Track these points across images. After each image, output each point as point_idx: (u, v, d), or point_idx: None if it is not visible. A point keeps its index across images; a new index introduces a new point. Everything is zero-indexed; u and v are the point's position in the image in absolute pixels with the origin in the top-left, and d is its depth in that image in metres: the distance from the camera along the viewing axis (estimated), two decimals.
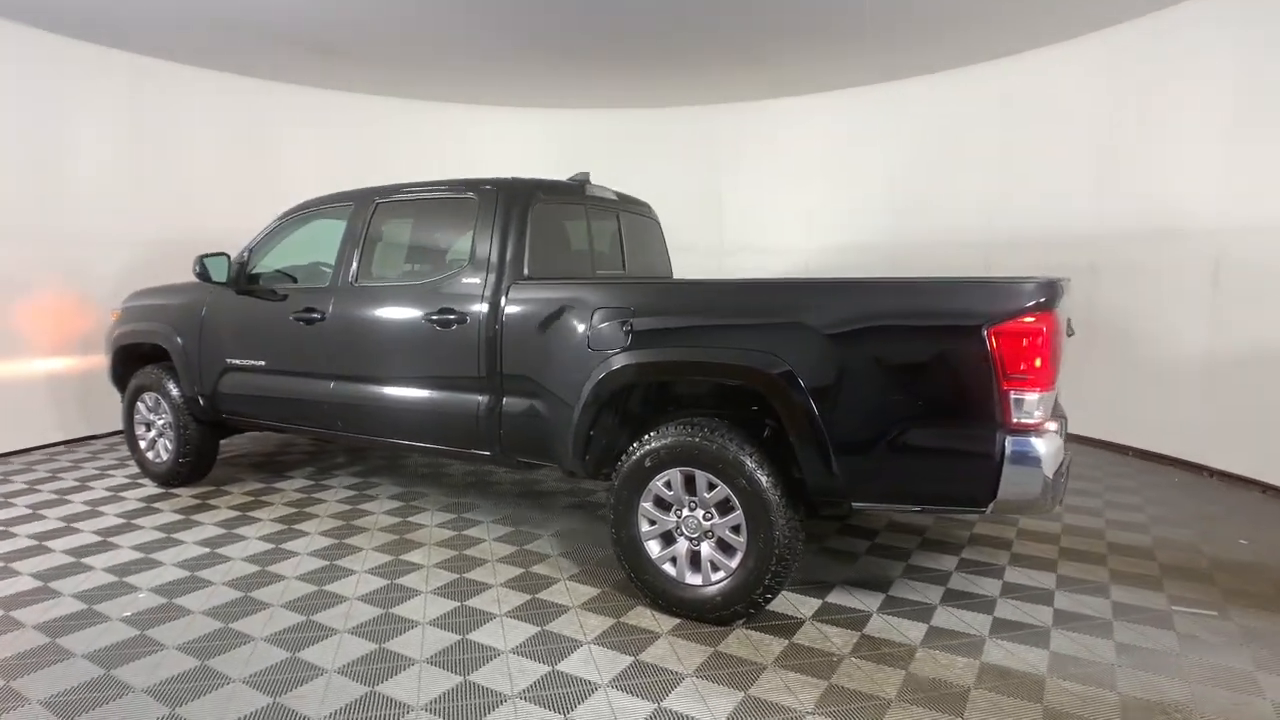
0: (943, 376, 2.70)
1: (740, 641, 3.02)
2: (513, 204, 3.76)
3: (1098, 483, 5.28)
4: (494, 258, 3.69)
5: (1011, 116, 6.74)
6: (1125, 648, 2.97)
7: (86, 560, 3.83)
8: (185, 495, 4.92)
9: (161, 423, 5.03)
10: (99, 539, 4.13)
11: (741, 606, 3.06)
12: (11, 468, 5.62)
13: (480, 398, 3.70)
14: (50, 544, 4.05)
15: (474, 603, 3.36)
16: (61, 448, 6.25)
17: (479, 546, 4.03)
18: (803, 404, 2.83)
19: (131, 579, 3.60)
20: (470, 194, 3.88)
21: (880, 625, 3.16)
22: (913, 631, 3.11)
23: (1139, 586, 3.55)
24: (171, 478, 5.04)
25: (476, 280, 3.70)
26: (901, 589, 3.53)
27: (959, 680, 2.73)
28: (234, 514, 4.54)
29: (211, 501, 4.78)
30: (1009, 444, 2.60)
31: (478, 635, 3.06)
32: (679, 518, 3.18)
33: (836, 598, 3.42)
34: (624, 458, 3.27)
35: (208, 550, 3.96)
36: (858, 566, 3.80)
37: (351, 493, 4.97)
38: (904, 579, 3.65)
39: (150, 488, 5.09)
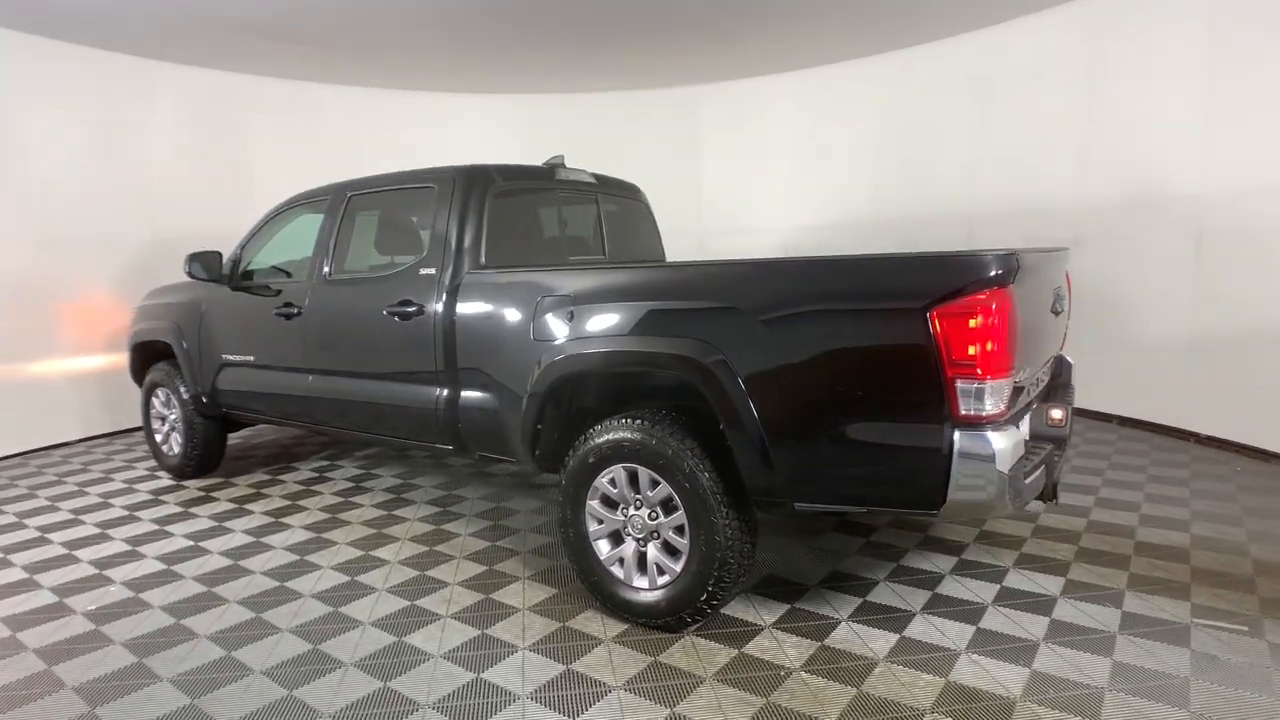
0: (884, 364, 2.40)
1: (685, 650, 2.82)
2: (470, 191, 3.62)
3: (1141, 472, 4.77)
4: (451, 247, 3.57)
5: (988, 89, 6.68)
6: (1123, 668, 2.61)
7: (77, 553, 3.95)
8: (192, 488, 5.05)
9: (174, 417, 5.17)
10: (97, 530, 4.27)
11: (688, 613, 2.85)
12: (47, 461, 5.93)
13: (438, 390, 3.59)
14: (51, 536, 4.21)
15: (424, 602, 3.27)
16: (97, 442, 6.56)
17: (452, 542, 3.95)
18: (737, 396, 2.59)
19: (110, 572, 3.68)
20: (431, 183, 3.76)
21: (845, 635, 2.89)
22: (879, 643, 2.83)
23: (1161, 594, 3.14)
24: (182, 470, 5.18)
25: (433, 271, 3.59)
26: (882, 593, 3.23)
27: (914, 702, 2.45)
28: (230, 507, 4.62)
29: (214, 494, 4.89)
30: (957, 438, 2.29)
31: (415, 638, 2.96)
32: (625, 517, 3.00)
33: (808, 602, 3.17)
34: (571, 453, 3.10)
35: (191, 544, 4.02)
36: (846, 565, 3.52)
37: (349, 485, 4.99)
38: (890, 581, 3.35)
39: (164, 480, 5.25)
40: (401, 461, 5.52)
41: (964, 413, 2.28)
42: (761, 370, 2.57)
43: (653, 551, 2.94)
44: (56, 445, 6.37)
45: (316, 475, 5.25)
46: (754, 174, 8.41)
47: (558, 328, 3.09)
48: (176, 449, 5.18)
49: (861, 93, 7.61)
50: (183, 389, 4.99)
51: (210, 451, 5.16)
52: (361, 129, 8.05)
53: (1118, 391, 6.01)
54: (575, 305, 3.06)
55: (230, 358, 4.66)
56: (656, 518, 2.91)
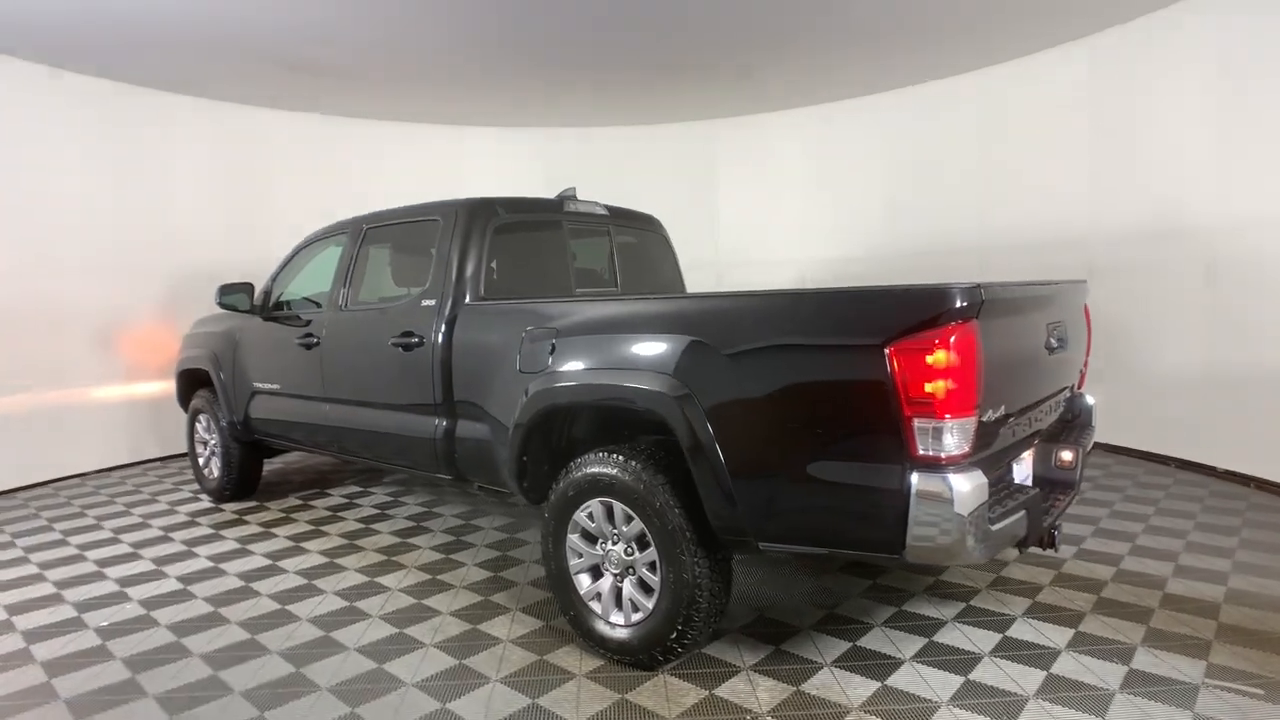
0: (844, 401, 2.33)
1: (656, 689, 2.76)
2: (471, 223, 3.73)
3: (1189, 519, 4.44)
4: (451, 278, 3.67)
5: (999, 123, 6.81)
6: None
7: (106, 570, 4.18)
8: (228, 511, 5.28)
9: (213, 443, 5.45)
10: (130, 550, 4.51)
11: (658, 651, 2.80)
12: (104, 482, 6.31)
13: (436, 420, 3.67)
14: (88, 553, 4.47)
15: (412, 630, 3.31)
16: (155, 464, 6.94)
17: (457, 571, 4.00)
18: (701, 431, 2.55)
19: (130, 590, 3.88)
20: (436, 216, 3.89)
21: (824, 680, 2.78)
22: (858, 690, 2.71)
23: (1177, 651, 2.91)
24: (220, 494, 5.43)
25: (433, 302, 3.70)
26: (875, 638, 3.10)
27: None
28: (257, 530, 4.81)
29: (246, 517, 5.10)
30: (915, 480, 2.19)
31: (393, 665, 3.00)
32: (604, 552, 2.98)
33: (795, 645, 3.07)
34: (554, 486, 3.11)
35: (211, 565, 4.20)
36: (844, 608, 3.40)
37: (374, 511, 5.12)
38: (886, 627, 3.21)
39: (204, 503, 5.51)
40: (430, 489, 5.64)
41: (922, 453, 2.19)
42: (725, 405, 2.53)
43: (627, 588, 2.91)
44: (117, 467, 6.77)
45: (346, 501, 5.42)
46: (769, 206, 8.55)
47: (541, 359, 3.13)
48: (216, 473, 5.44)
49: (873, 127, 7.76)
50: (220, 415, 5.25)
51: (246, 476, 5.40)
52: (382, 161, 8.23)
53: (1142, 425, 5.91)
54: (557, 337, 3.10)
55: (260, 385, 4.89)
56: (632, 553, 2.88)
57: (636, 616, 2.87)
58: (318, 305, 4.59)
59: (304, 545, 4.49)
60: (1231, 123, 5.09)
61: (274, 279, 4.92)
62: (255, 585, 3.89)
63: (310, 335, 4.39)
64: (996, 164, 6.83)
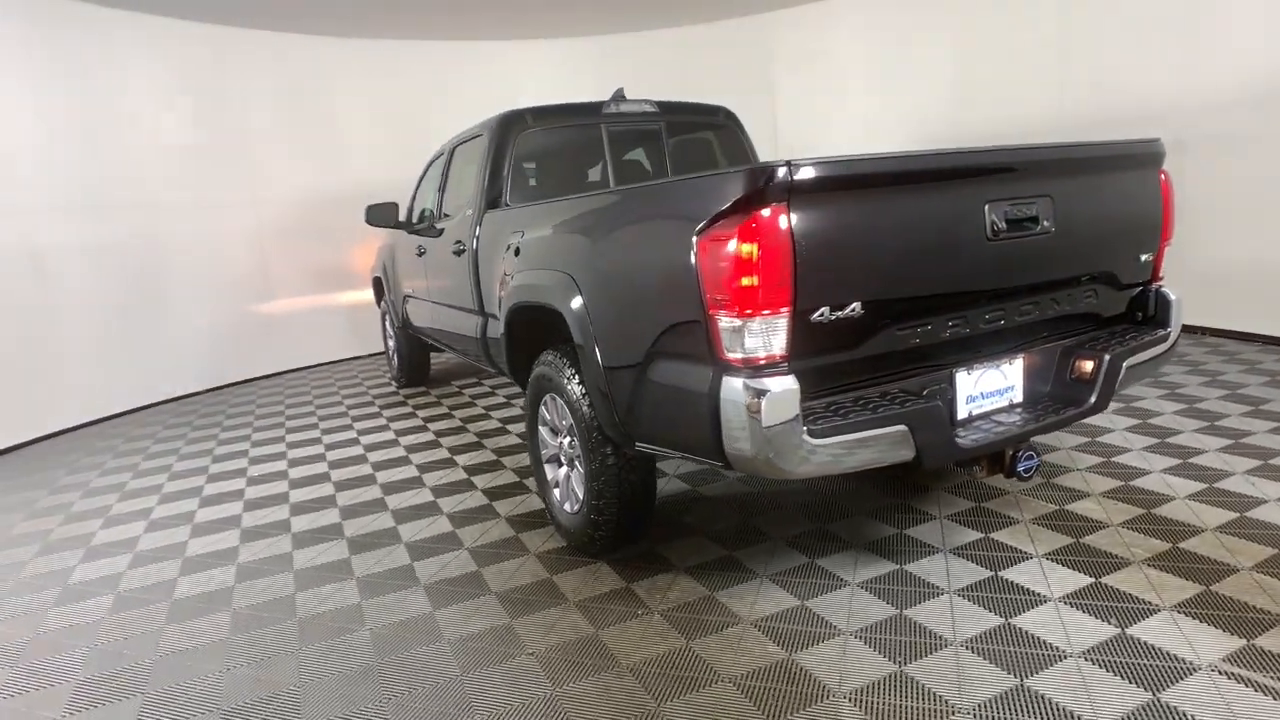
0: (669, 299, 2.15)
1: (586, 575, 2.92)
2: (500, 134, 3.92)
3: None
4: (484, 188, 3.93)
5: None
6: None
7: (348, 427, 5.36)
8: (401, 394, 6.34)
9: (391, 340, 6.51)
10: (317, 430, 5.69)
11: (588, 541, 2.93)
12: (338, 370, 7.86)
13: (478, 319, 4.04)
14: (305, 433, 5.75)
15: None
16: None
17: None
18: (583, 328, 2.55)
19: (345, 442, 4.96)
20: (481, 131, 4.14)
21: (742, 590, 2.71)
22: (770, 604, 2.60)
23: (1211, 623, 2.29)
24: (399, 381, 6.52)
25: (471, 212, 4.00)
26: (842, 560, 2.89)
27: (701, 670, 2.27)
28: (407, 411, 5.73)
29: (412, 400, 6.09)
30: (721, 384, 2.00)
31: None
32: (558, 443, 3.14)
33: (760, 558, 2.98)
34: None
35: (372, 438, 5.17)
36: (837, 525, 3.18)
37: (503, 400, 5.78)
38: (870, 544, 2.95)
39: (390, 389, 6.65)
40: None
41: (728, 355, 1.99)
42: (598, 304, 2.49)
43: (573, 478, 3.05)
44: (352, 358, 8.34)
45: (489, 390, 6.16)
46: (830, 104, 8.25)
47: (512, 262, 3.29)
48: (397, 362, 6.53)
49: (941, 10, 7.25)
50: (392, 317, 6.24)
51: (415, 367, 6.37)
52: (445, 81, 8.35)
53: None
54: (521, 240, 3.22)
55: (406, 290, 5.70)
56: (574, 447, 3.01)
57: (576, 506, 3.02)
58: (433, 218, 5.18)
59: (429, 425, 5.28)
60: None
61: (413, 195, 5.61)
62: (371, 457, 4.73)
63: (421, 247, 5.00)
64: (1075, 41, 6.28)
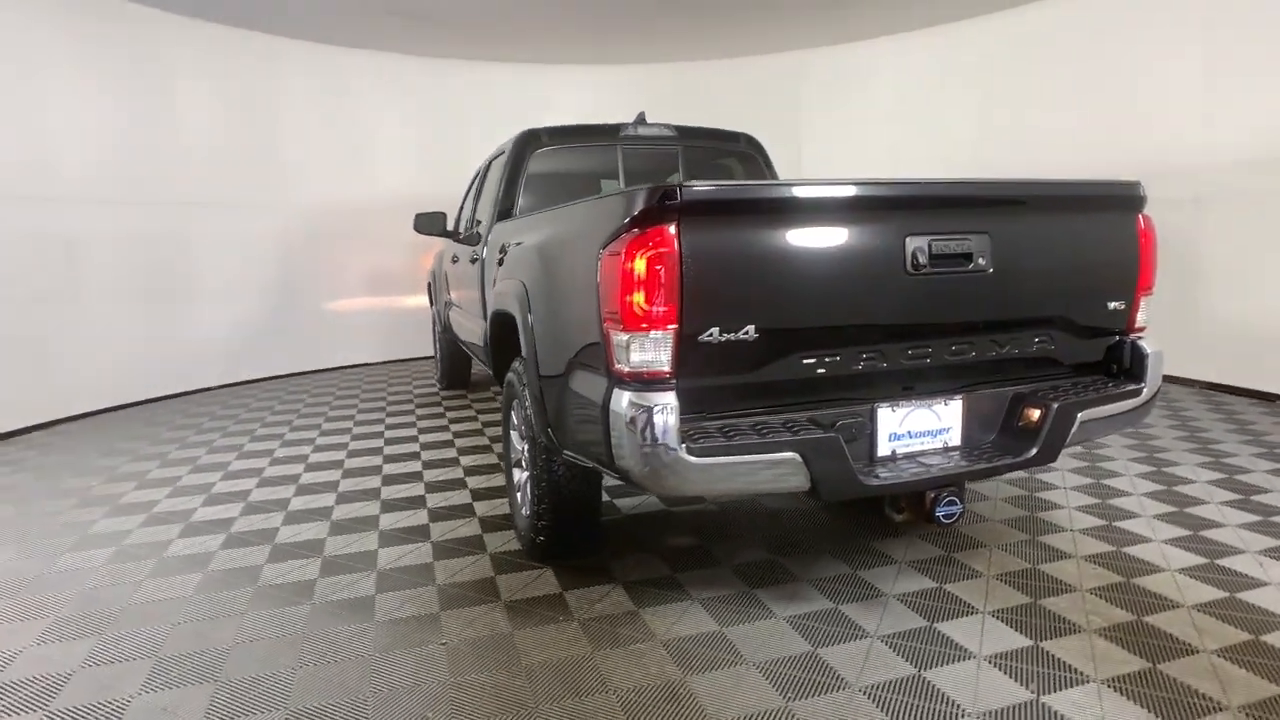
0: (583, 311, 2.21)
1: (527, 579, 2.99)
2: (517, 151, 4.10)
3: None
4: (497, 202, 4.12)
5: (1105, 45, 6.50)
6: None
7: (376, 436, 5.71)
8: (440, 395, 6.63)
9: (438, 343, 6.83)
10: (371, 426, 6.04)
11: (534, 546, 3.01)
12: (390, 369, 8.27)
13: (484, 324, 4.21)
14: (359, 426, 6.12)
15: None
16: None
17: None
18: (526, 336, 2.65)
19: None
20: (505, 148, 4.34)
21: (669, 610, 2.71)
22: (690, 627, 2.59)
23: (1137, 701, 2.12)
24: (441, 383, 6.83)
25: (485, 223, 4.20)
26: (780, 593, 2.84)
27: (593, 680, 2.29)
28: (438, 411, 5.99)
29: (445, 400, 6.36)
30: (611, 397, 2.04)
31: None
32: (521, 448, 3.24)
33: (699, 582, 2.97)
34: None
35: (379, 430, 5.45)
36: (792, 558, 3.13)
37: None
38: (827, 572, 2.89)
39: (434, 388, 6.96)
40: None
41: (617, 367, 2.03)
42: (539, 313, 2.59)
43: (529, 484, 3.14)
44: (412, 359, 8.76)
45: None
46: (857, 140, 8.39)
47: (497, 270, 3.44)
48: (439, 367, 6.84)
49: (968, 55, 7.49)
50: (437, 321, 6.56)
51: (456, 370, 6.65)
52: (479, 99, 8.64)
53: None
54: (507, 250, 3.36)
55: (446, 297, 5.98)
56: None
57: (528, 510, 3.11)
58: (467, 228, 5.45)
59: (451, 425, 5.50)
60: None
61: (460, 206, 5.91)
62: (389, 445, 4.98)
63: (455, 255, 5.26)
64: (1101, 89, 6.51)
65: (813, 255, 2.09)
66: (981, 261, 2.23)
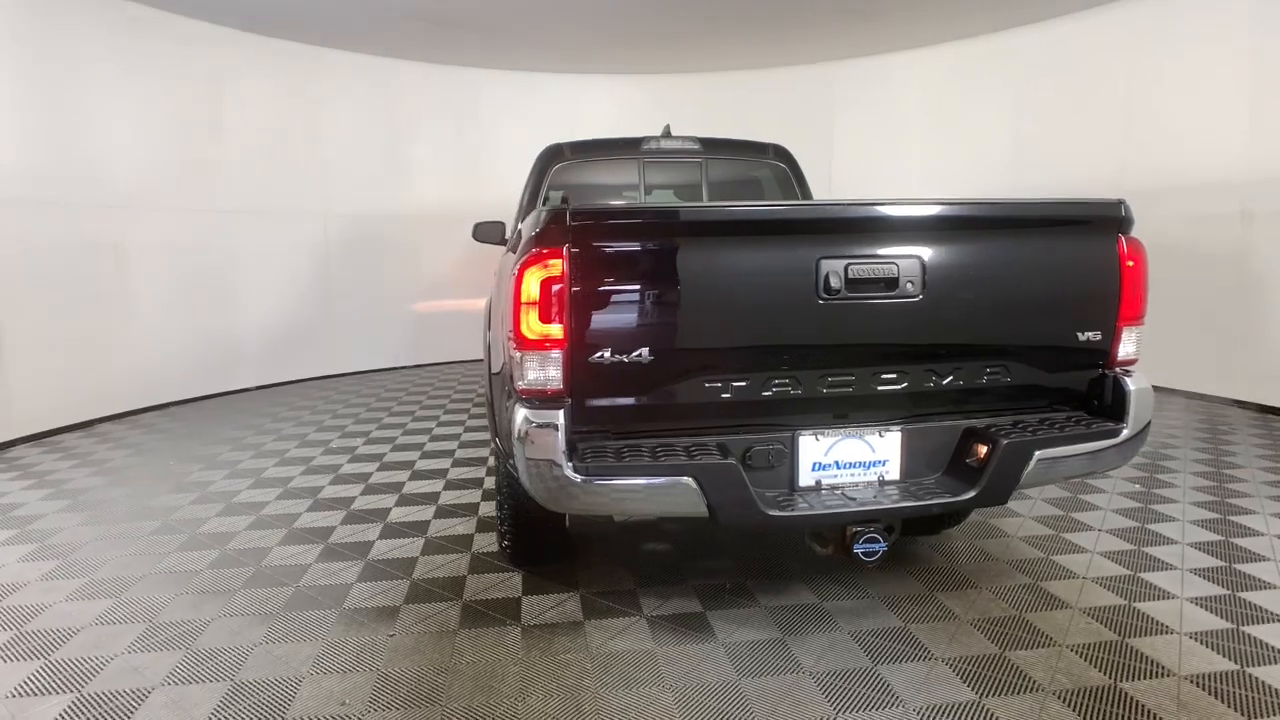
0: (506, 325, 2.27)
1: (495, 580, 3.09)
2: (540, 165, 4.22)
3: None
4: (520, 214, 4.26)
5: (1143, 58, 6.44)
6: None
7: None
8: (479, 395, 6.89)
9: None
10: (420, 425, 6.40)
11: (506, 552, 3.11)
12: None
13: None
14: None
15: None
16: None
17: None
18: (485, 346, 2.75)
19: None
20: (535, 159, 4.47)
21: (615, 624, 2.72)
22: (627, 643, 2.60)
23: None
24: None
25: (511, 237, 4.35)
26: (733, 616, 2.79)
27: (509, 686, 2.34)
28: (482, 411, 6.24)
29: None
30: (512, 412, 2.09)
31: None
32: None
33: (656, 599, 2.97)
34: None
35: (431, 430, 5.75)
36: (760, 582, 3.06)
37: None
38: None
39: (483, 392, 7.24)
40: None
41: (516, 383, 2.08)
42: (493, 324, 2.68)
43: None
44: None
45: None
46: (886, 153, 8.36)
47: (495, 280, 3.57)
48: None
49: (1001, 67, 7.47)
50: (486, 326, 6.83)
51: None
52: (513, 109, 8.69)
53: None
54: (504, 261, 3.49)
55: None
56: None
57: (496, 514, 3.21)
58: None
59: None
60: None
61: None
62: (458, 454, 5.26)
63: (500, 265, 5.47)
64: (1139, 102, 6.48)
65: (709, 279, 2.04)
66: (910, 287, 2.09)
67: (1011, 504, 3.76)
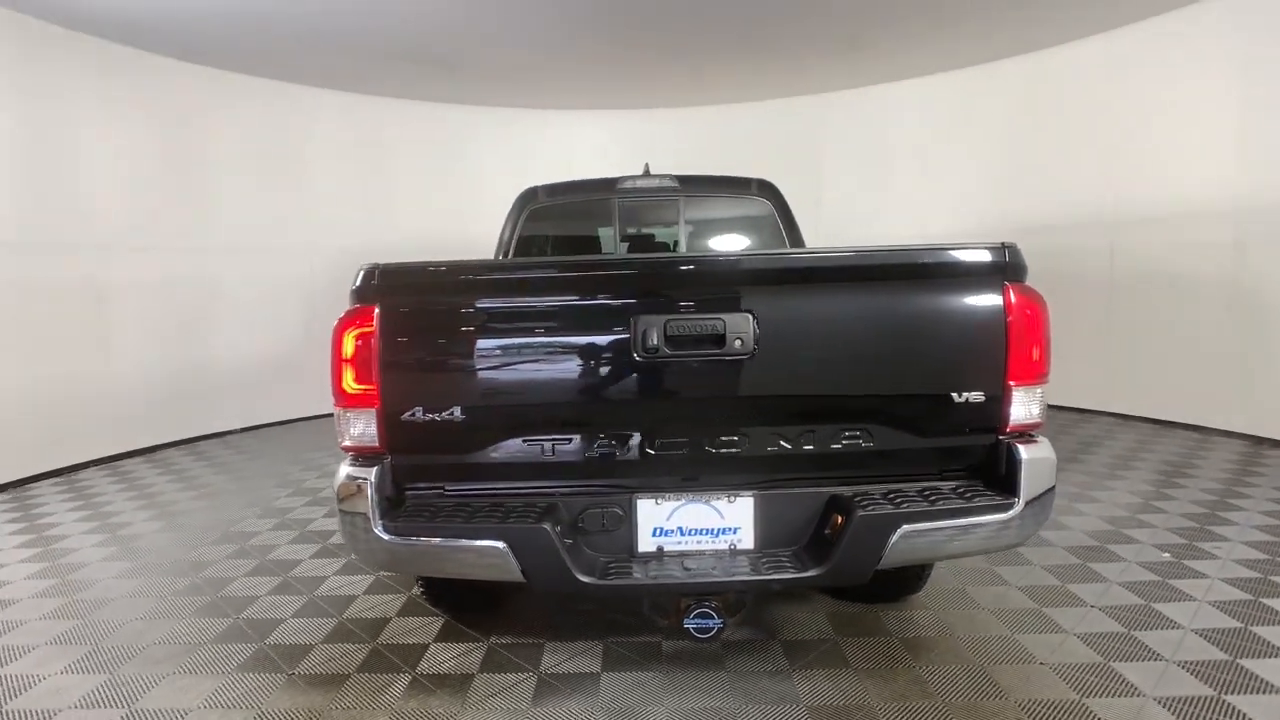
0: None
1: (417, 625, 3.12)
2: (516, 207, 4.29)
3: None
4: (501, 252, 4.34)
5: (1129, 88, 6.47)
6: None
7: None
8: None
9: None
10: None
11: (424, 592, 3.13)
12: None
13: None
14: None
15: None
16: None
17: None
18: None
19: None
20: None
21: (502, 680, 2.68)
22: (505, 700, 2.55)
23: None
24: None
25: None
26: (632, 665, 2.68)
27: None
28: None
29: None
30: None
31: None
32: None
33: (562, 652, 2.90)
34: None
35: None
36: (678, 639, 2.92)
37: None
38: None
39: None
40: None
41: (339, 439, 2.10)
42: None
43: None
44: None
45: None
46: (876, 183, 8.30)
47: None
48: None
49: (989, 98, 7.48)
50: None
51: None
52: (498, 144, 8.56)
53: None
54: None
55: None
56: None
57: None
58: None
59: None
60: None
61: None
62: None
63: None
64: (1126, 131, 6.51)
65: (519, 336, 1.99)
66: (738, 345, 1.95)
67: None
